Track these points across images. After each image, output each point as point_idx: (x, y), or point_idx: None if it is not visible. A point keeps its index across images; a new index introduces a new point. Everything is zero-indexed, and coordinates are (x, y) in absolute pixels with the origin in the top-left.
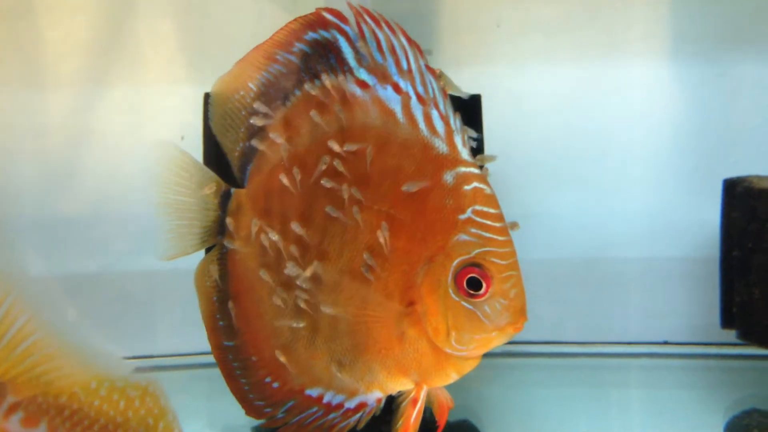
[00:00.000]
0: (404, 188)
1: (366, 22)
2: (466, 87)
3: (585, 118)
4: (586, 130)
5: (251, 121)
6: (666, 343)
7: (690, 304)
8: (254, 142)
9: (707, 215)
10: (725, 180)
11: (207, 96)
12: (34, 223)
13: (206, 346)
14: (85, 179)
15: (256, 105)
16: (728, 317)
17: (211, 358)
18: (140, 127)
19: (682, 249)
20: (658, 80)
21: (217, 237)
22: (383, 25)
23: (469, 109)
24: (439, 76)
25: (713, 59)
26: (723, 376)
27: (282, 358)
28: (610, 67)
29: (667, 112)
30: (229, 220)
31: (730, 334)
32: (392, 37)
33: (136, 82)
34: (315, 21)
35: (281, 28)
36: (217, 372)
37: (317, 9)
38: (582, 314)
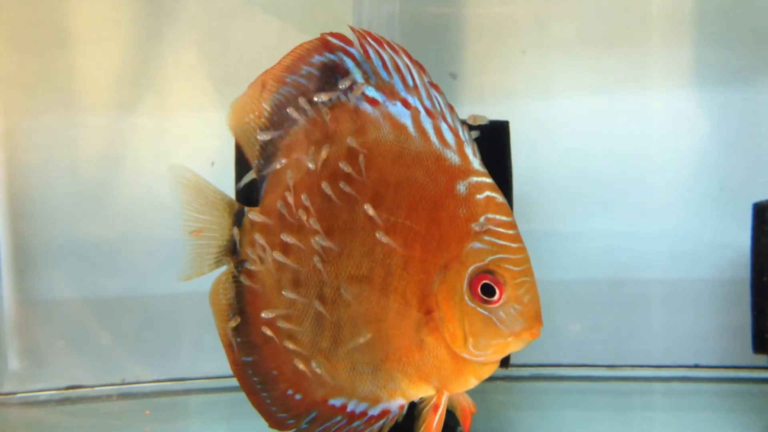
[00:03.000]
0: None
1: (369, 44)
2: (492, 112)
3: (611, 141)
4: (612, 153)
5: (260, 139)
6: (697, 366)
7: (719, 327)
8: (267, 161)
9: (734, 237)
10: (755, 204)
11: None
12: (66, 246)
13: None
14: (117, 204)
15: (260, 134)
16: (760, 343)
17: (233, 381)
18: (170, 154)
19: (709, 271)
20: (684, 104)
21: (232, 255)
22: (385, 45)
23: (498, 136)
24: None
25: (739, 83)
26: (757, 401)
27: (303, 369)
28: (636, 91)
29: (692, 135)
30: (242, 238)
31: (762, 359)
32: (395, 57)
33: (165, 109)
34: (321, 45)
35: (288, 53)
36: (239, 396)
37: (322, 34)
38: (610, 336)
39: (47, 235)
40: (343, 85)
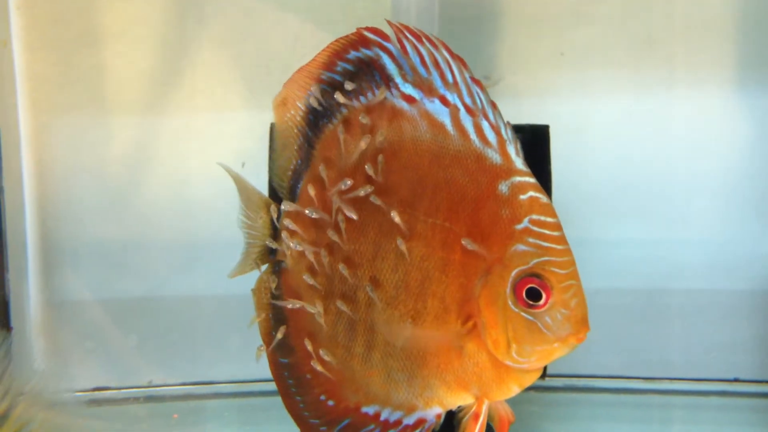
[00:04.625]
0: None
1: (407, 38)
2: (529, 117)
3: (649, 147)
4: (650, 159)
5: (299, 140)
6: (737, 380)
7: (760, 339)
8: (304, 160)
9: None
10: None
11: (273, 126)
12: (92, 246)
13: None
14: (143, 205)
15: (300, 126)
16: None
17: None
18: (199, 154)
19: (749, 281)
20: (724, 109)
21: (270, 256)
22: (424, 40)
23: (538, 140)
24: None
25: None
26: None
27: (332, 374)
28: (675, 96)
29: (732, 141)
30: (279, 238)
31: None
32: (434, 52)
33: (194, 109)
34: (356, 40)
35: (323, 49)
36: (266, 401)
37: (357, 29)
38: (646, 347)
39: (73, 235)
40: (350, 85)
